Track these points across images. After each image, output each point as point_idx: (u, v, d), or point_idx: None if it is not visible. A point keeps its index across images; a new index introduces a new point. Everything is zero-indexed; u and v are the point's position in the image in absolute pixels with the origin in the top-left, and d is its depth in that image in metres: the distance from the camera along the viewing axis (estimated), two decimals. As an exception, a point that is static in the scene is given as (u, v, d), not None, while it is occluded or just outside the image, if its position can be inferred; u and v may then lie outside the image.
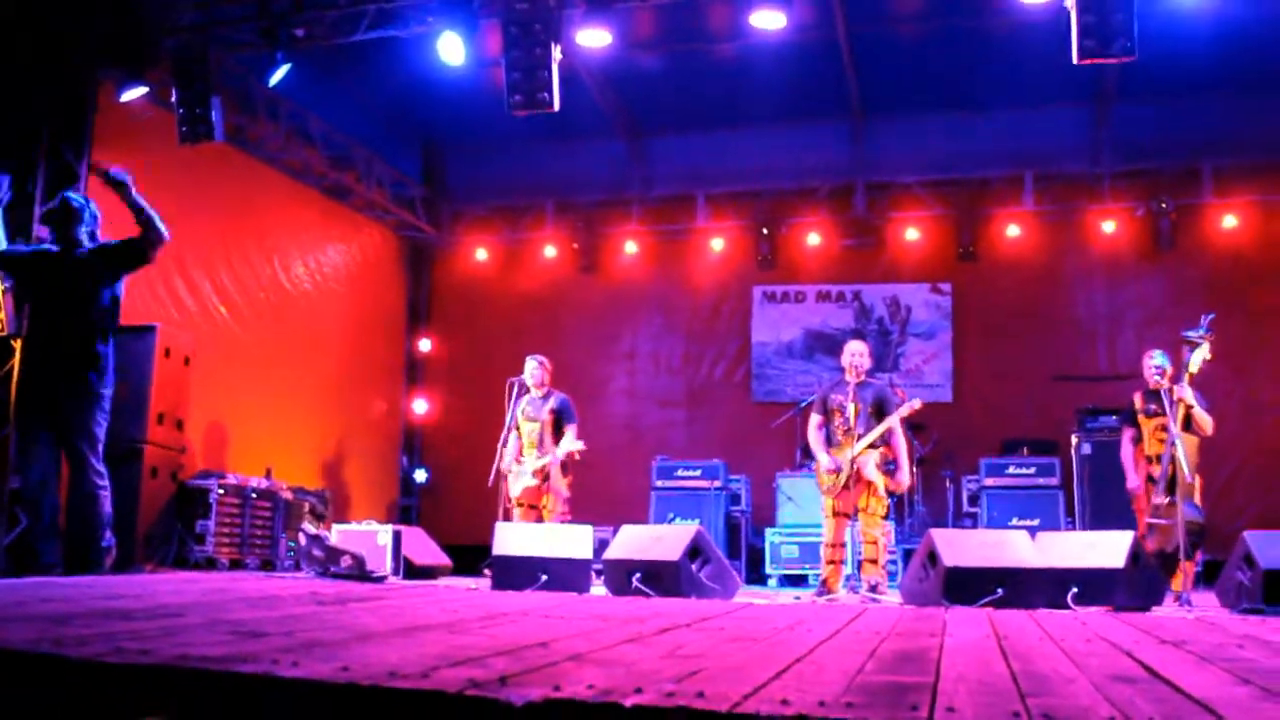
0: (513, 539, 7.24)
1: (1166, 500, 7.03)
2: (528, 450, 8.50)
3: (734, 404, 12.80)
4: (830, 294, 12.75)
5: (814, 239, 12.59)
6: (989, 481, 10.34)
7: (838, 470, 7.36)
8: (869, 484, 7.35)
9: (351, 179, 11.92)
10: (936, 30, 10.65)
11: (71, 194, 6.71)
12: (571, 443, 8.36)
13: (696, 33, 10.70)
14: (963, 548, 6.34)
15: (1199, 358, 6.85)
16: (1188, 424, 7.11)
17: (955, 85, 11.45)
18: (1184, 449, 6.86)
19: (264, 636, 2.90)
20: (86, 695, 2.24)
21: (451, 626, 3.51)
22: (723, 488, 10.87)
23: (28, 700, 2.29)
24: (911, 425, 8.19)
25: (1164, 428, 7.11)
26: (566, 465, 8.44)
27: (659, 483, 11.01)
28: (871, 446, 7.35)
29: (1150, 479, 7.37)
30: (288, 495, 9.74)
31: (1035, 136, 11.94)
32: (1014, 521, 9.82)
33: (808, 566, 10.03)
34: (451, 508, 12.64)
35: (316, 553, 8.13)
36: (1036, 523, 9.63)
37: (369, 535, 8.70)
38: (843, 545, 7.53)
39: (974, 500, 10.57)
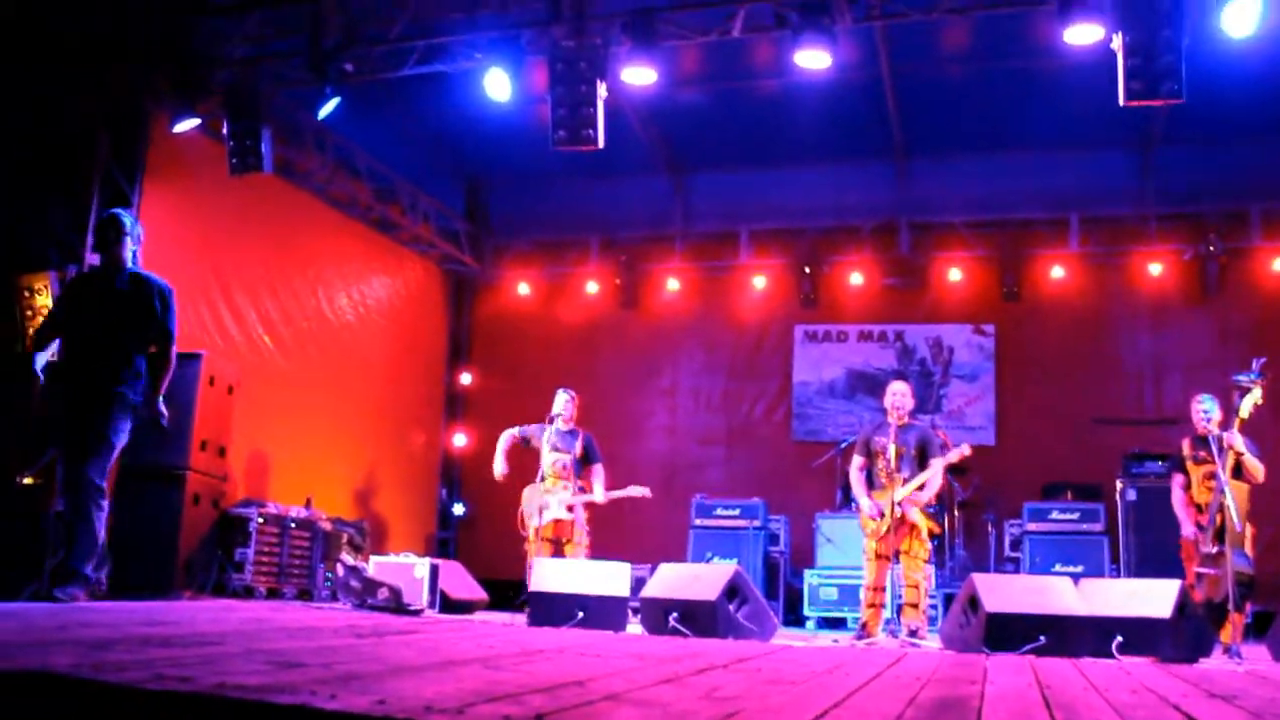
0: (550, 575, 7.22)
1: (1215, 549, 6.90)
2: (552, 481, 8.47)
3: (774, 443, 12.73)
4: (872, 334, 12.69)
5: (856, 278, 12.54)
6: (1032, 526, 10.21)
7: (881, 515, 7.30)
8: (912, 527, 7.29)
9: (396, 212, 12.03)
10: (981, 70, 10.64)
11: (121, 210, 6.73)
12: (639, 490, 8.38)
13: (740, 70, 10.74)
14: (1005, 593, 6.25)
15: (1250, 402, 6.73)
16: (1238, 471, 6.98)
17: (1000, 125, 11.41)
18: (1234, 497, 6.74)
19: (302, 667, 2.89)
20: (124, 722, 2.24)
21: (488, 662, 3.49)
22: (762, 527, 10.79)
23: (66, 726, 2.29)
24: (953, 468, 8.11)
25: (1213, 475, 6.97)
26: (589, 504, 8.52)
27: (697, 521, 10.94)
28: (919, 489, 7.31)
29: (1200, 527, 7.22)
30: (326, 525, 9.78)
31: (1081, 178, 11.86)
32: (1057, 567, 9.68)
33: (846, 609, 9.92)
34: (489, 542, 12.61)
35: (354, 584, 8.15)
36: (1080, 569, 9.49)
37: (406, 568, 8.71)
38: (883, 589, 7.45)
39: (1016, 545, 10.44)
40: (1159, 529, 8.19)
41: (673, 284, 13.12)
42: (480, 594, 9.49)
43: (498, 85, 8.50)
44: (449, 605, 8.80)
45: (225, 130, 8.95)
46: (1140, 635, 5.89)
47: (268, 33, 8.97)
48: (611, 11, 8.32)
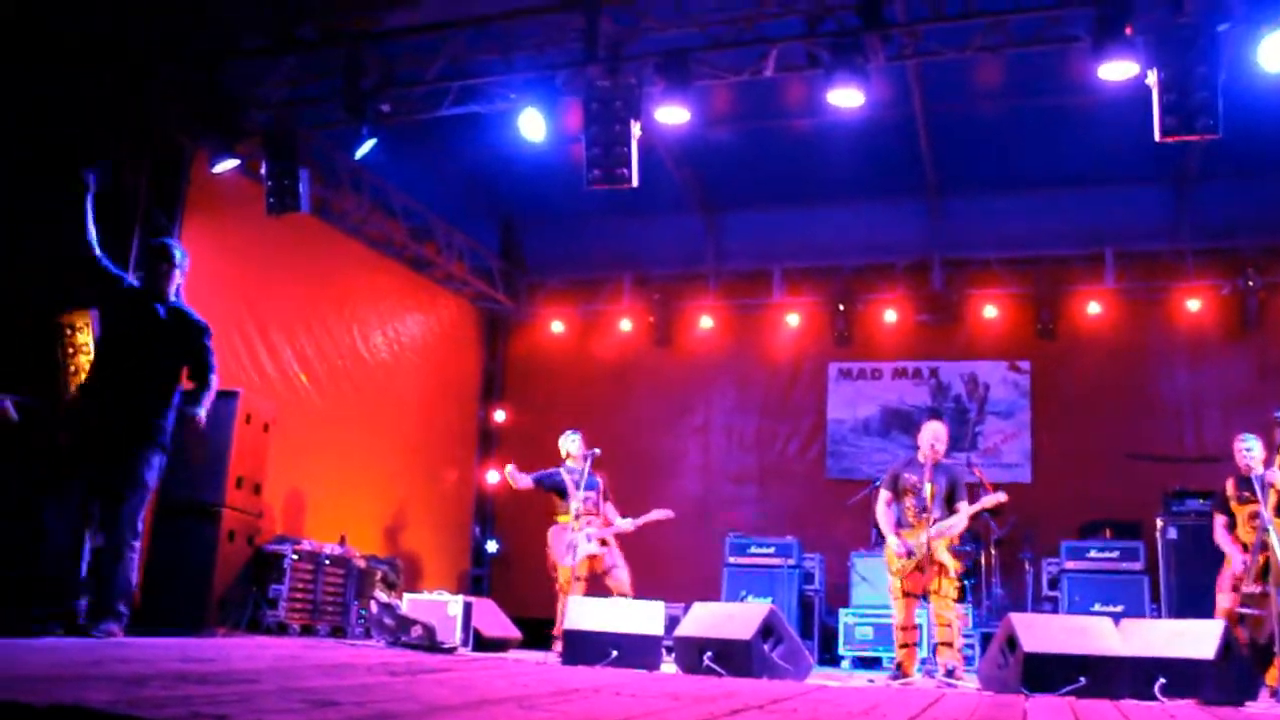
0: (585, 614, 7.19)
1: (1260, 590, 6.78)
2: (581, 520, 8.52)
3: (808, 481, 12.66)
4: (907, 371, 12.64)
5: (890, 315, 12.51)
6: (1069, 565, 10.07)
7: (910, 554, 7.25)
8: (941, 566, 7.23)
9: (431, 251, 12.12)
10: (1014, 108, 10.64)
11: (171, 240, 6.75)
12: (662, 513, 8.59)
13: (773, 110, 10.78)
14: (1043, 633, 6.17)
15: (1292, 439, 6.65)
16: (1280, 510, 6.88)
17: (1034, 162, 11.39)
18: (1277, 535, 6.63)
19: (336, 705, 2.89)
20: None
21: (522, 701, 3.47)
22: (796, 566, 10.72)
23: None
24: (990, 508, 8.06)
25: (1257, 514, 6.87)
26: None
27: (731, 559, 10.88)
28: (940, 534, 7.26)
29: (1244, 565, 7.07)
30: (360, 562, 9.79)
31: (1116, 214, 11.80)
32: (1096, 607, 9.54)
33: (882, 648, 9.82)
34: (522, 579, 12.58)
35: (387, 621, 8.15)
36: (1120, 609, 9.35)
37: (440, 605, 8.71)
38: (916, 628, 7.39)
39: (1054, 584, 10.30)
40: (1200, 568, 8.07)
41: (706, 322, 13.13)
42: (514, 632, 9.47)
43: (532, 125, 8.59)
44: (482, 643, 8.78)
45: (263, 170, 9.07)
46: (1183, 677, 5.80)
47: (304, 74, 9.10)
48: (646, 52, 8.39)
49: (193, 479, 7.70)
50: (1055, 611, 9.88)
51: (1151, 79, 7.08)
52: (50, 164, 7.50)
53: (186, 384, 6.35)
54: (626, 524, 8.58)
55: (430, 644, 7.75)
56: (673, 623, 7.46)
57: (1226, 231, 11.60)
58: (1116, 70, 7.31)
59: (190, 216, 8.84)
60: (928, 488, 7.33)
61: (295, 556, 8.90)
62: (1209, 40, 6.99)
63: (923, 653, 7.50)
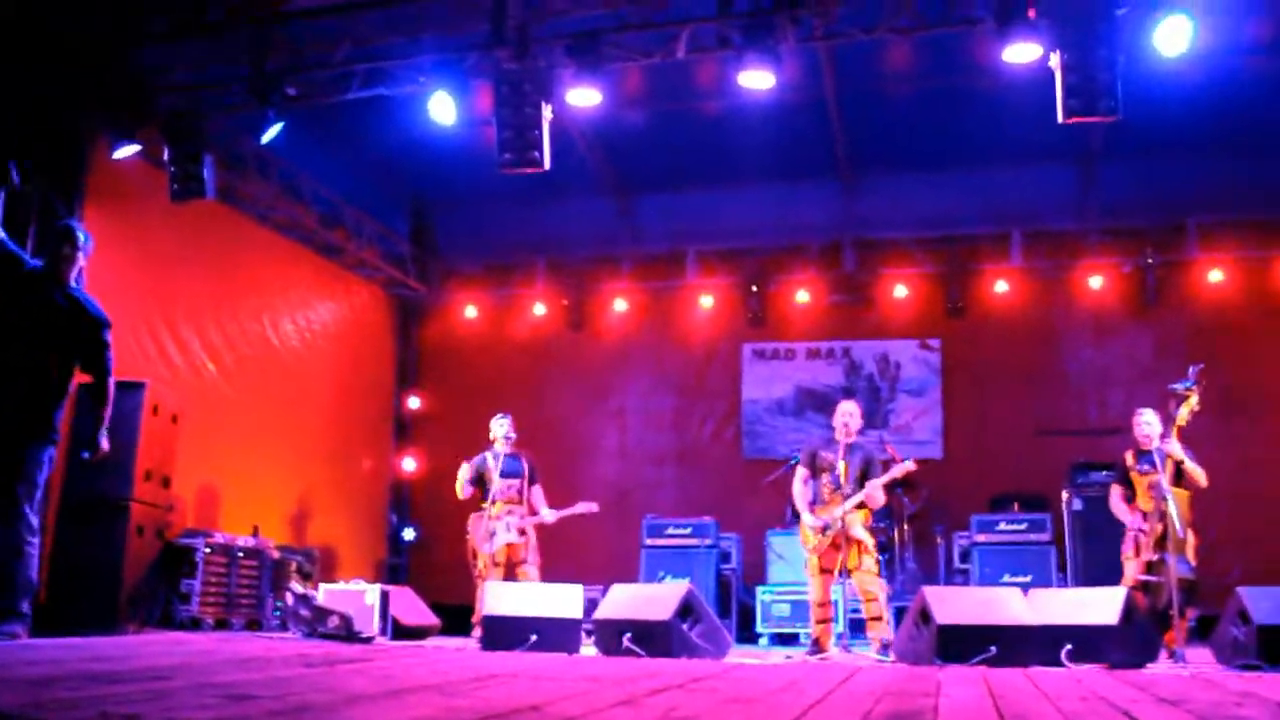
0: (502, 599, 7.18)
1: (1157, 557, 7.00)
2: (501, 507, 8.45)
3: (724, 461, 12.77)
4: (820, 351, 12.78)
5: (803, 296, 12.63)
6: (980, 538, 10.29)
7: (825, 528, 7.35)
8: (858, 542, 7.34)
9: (341, 237, 11.95)
10: (924, 90, 10.77)
11: (76, 223, 6.49)
12: (586, 506, 8.46)
13: (684, 92, 10.79)
14: (956, 605, 6.31)
15: (1186, 410, 6.85)
16: (1179, 479, 7.10)
17: (943, 143, 11.56)
18: (1175, 504, 6.85)
19: (253, 699, 2.85)
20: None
21: (442, 689, 3.46)
22: (713, 546, 10.79)
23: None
24: (901, 482, 8.19)
25: (1156, 484, 7.09)
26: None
27: (649, 541, 10.92)
28: (858, 507, 7.36)
29: (1142, 531, 7.28)
30: (275, 554, 9.66)
31: (1022, 194, 12.04)
32: (1005, 578, 9.77)
33: (799, 625, 9.95)
34: (440, 567, 12.50)
35: (304, 613, 8.05)
36: (1028, 579, 9.59)
37: (357, 595, 8.62)
38: (831, 603, 7.50)
39: (965, 557, 10.51)
40: (1105, 537, 8.29)
41: (620, 305, 13.14)
42: (432, 620, 9.41)
43: (442, 109, 8.50)
44: (401, 632, 8.71)
45: (166, 156, 8.85)
46: (1089, 643, 5.97)
47: (209, 58, 8.89)
48: (555, 33, 8.34)
49: (98, 473, 7.47)
50: (966, 584, 10.09)
51: (1054, 61, 7.23)
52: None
53: (82, 376, 6.15)
54: (548, 515, 8.48)
55: (348, 634, 7.67)
56: (591, 605, 7.48)
57: (1128, 211, 11.90)
58: (1020, 53, 7.46)
59: (91, 204, 8.58)
60: (841, 465, 7.44)
61: (208, 550, 8.76)
62: (1108, 24, 7.16)
63: (839, 628, 7.60)
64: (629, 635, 6.48)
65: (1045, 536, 10.14)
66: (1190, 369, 6.86)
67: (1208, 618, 7.57)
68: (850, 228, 12.53)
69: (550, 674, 4.34)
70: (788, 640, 10.07)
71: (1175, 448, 7.00)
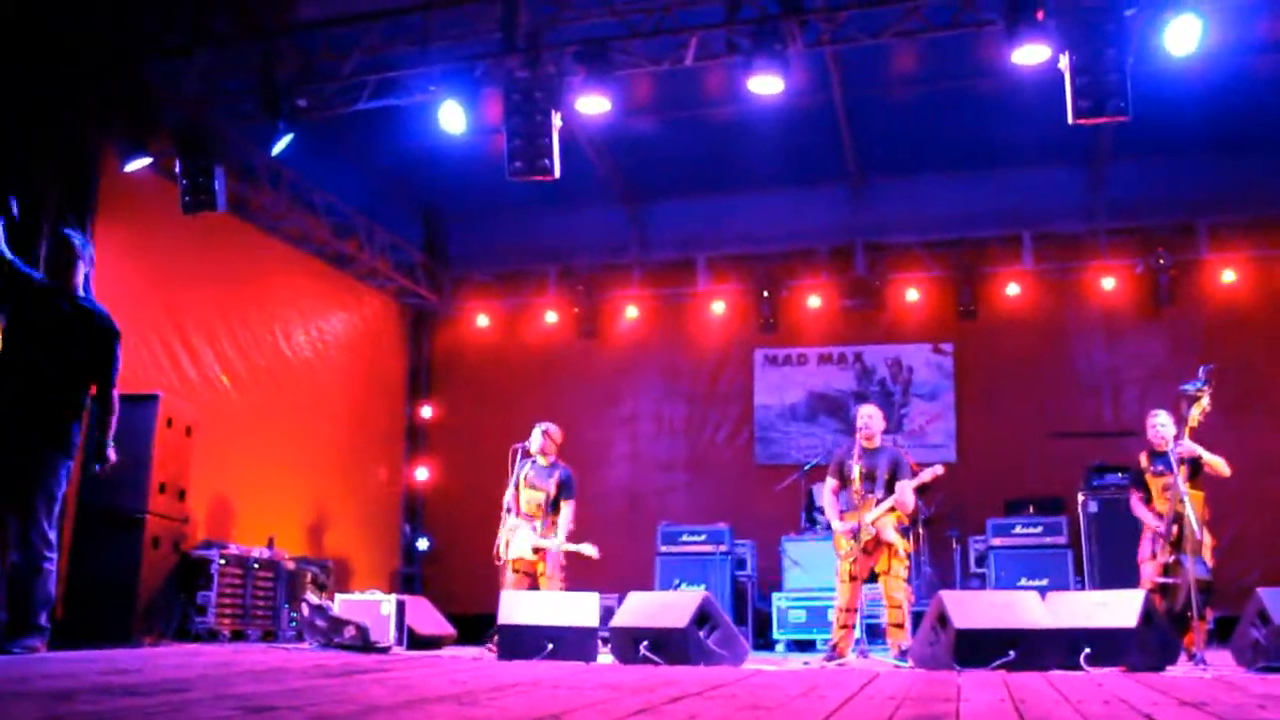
0: (519, 608, 7.16)
1: (1174, 558, 6.97)
2: (525, 517, 8.36)
3: (737, 467, 12.74)
4: (832, 356, 12.76)
5: (814, 301, 12.62)
6: (996, 541, 10.27)
7: (856, 534, 7.32)
8: (889, 546, 7.31)
9: (353, 247, 11.98)
10: (932, 93, 10.76)
11: (72, 231, 6.46)
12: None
13: (693, 99, 10.80)
14: (973, 609, 6.28)
15: (1198, 411, 6.83)
16: (1194, 479, 7.07)
17: (952, 146, 11.56)
18: (1191, 505, 6.82)
19: (272, 711, 2.85)
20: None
21: (460, 698, 3.45)
22: (728, 552, 10.78)
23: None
24: (917, 487, 8.17)
25: (1169, 486, 7.05)
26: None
27: (664, 548, 10.91)
28: (889, 511, 7.34)
29: (1159, 534, 7.24)
30: (290, 565, 9.67)
31: (1032, 196, 12.02)
32: (1022, 581, 9.74)
33: (815, 631, 9.93)
34: (455, 576, 12.52)
35: (319, 623, 8.05)
36: (1045, 582, 9.56)
37: (372, 605, 8.63)
38: (855, 610, 7.46)
39: (981, 561, 10.48)
40: (1122, 540, 8.25)
41: (631, 312, 13.14)
42: (448, 629, 9.41)
43: (452, 118, 8.51)
44: (417, 642, 8.71)
45: (177, 168, 8.87)
46: (1108, 646, 5.93)
47: (220, 70, 8.92)
48: (565, 41, 8.36)
49: (114, 487, 7.50)
50: (983, 587, 10.06)
51: (1064, 63, 7.22)
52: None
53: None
54: (553, 544, 8.21)
55: (364, 644, 7.67)
56: (607, 614, 7.46)
57: (1138, 211, 11.87)
58: (1029, 54, 7.45)
59: (103, 217, 8.60)
60: (857, 470, 7.42)
61: (223, 561, 8.77)
62: (1118, 26, 7.16)
63: (858, 634, 7.58)
64: (646, 643, 6.46)
65: (1061, 539, 10.11)
66: (1201, 370, 6.84)
67: (1227, 619, 7.52)
68: (860, 232, 12.52)
69: (568, 682, 4.33)
70: (805, 646, 10.04)
71: (1189, 446, 6.97)
